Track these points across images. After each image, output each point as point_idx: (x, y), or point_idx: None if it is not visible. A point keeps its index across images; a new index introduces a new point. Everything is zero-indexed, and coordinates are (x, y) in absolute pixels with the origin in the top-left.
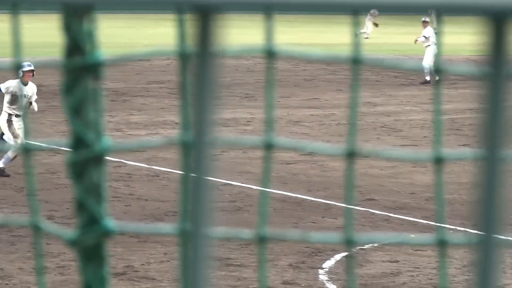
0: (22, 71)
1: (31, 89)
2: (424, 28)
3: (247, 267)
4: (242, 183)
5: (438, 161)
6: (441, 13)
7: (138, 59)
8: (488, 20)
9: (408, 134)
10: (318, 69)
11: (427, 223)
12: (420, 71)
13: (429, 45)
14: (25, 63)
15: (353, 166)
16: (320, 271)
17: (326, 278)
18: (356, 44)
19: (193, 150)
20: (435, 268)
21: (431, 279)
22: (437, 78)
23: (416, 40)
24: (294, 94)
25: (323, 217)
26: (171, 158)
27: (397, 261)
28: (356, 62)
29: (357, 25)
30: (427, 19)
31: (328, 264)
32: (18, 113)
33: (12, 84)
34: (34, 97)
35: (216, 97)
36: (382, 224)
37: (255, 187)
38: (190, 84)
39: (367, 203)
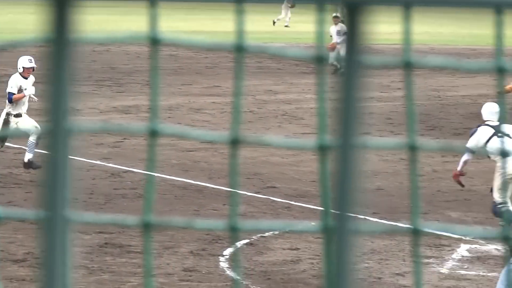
0: (23, 67)
1: (31, 83)
2: (335, 24)
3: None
4: (144, 170)
5: (322, 149)
6: (297, 2)
7: (6, 46)
8: (344, 9)
9: (309, 122)
10: (219, 57)
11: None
12: (303, 59)
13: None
14: (26, 58)
15: (237, 153)
16: (221, 258)
17: (227, 265)
18: (240, 31)
19: (50, 137)
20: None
21: None
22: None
23: (335, 44)
24: (196, 82)
25: (224, 204)
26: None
27: (297, 249)
28: (239, 50)
29: (242, 12)
30: (338, 14)
31: (228, 251)
32: (18, 112)
33: (16, 80)
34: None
35: (73, 84)
36: (283, 211)
37: (156, 174)
38: (51, 71)
39: (268, 191)
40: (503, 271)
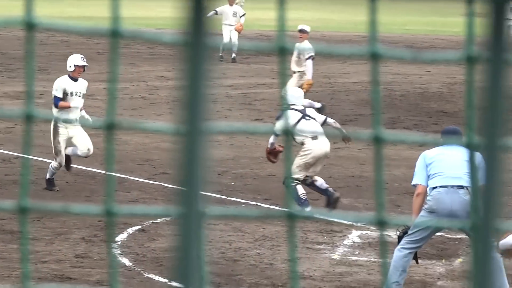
0: (75, 65)
1: (83, 86)
2: (231, 4)
3: (39, 240)
4: (35, 157)
5: (184, 135)
6: None
7: None
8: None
9: None
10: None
11: (219, 197)
12: (177, 45)
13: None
14: (79, 56)
15: (113, 138)
16: (113, 244)
17: (119, 252)
18: (116, 17)
19: None
20: (227, 241)
21: (223, 253)
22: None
23: (240, 27)
24: (87, 67)
25: (116, 190)
26: None
27: (204, 235)
28: (115, 35)
29: None
30: None
31: (120, 237)
32: (66, 117)
33: (62, 82)
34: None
35: None
36: (174, 197)
37: (47, 160)
38: None
39: (160, 177)
40: (394, 257)
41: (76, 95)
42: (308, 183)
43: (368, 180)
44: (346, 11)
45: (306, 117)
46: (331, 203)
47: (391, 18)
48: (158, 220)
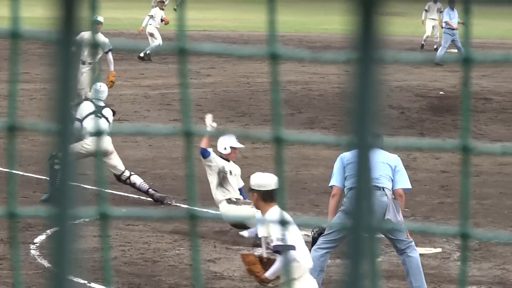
0: (231, 147)
1: (236, 167)
2: (161, 8)
3: None
4: None
5: (98, 134)
6: None
7: None
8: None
9: (119, 109)
10: (29, 43)
11: (138, 197)
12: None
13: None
14: (233, 137)
15: (14, 140)
16: (32, 246)
17: (38, 253)
18: (15, 18)
19: None
20: (146, 242)
21: (142, 254)
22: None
23: (165, 21)
24: (4, 68)
25: (34, 191)
26: None
27: (108, 236)
28: (14, 36)
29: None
30: None
31: (39, 239)
32: (235, 196)
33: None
34: None
35: None
36: (93, 198)
37: None
38: None
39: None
40: (311, 257)
41: (232, 174)
42: (124, 180)
43: (287, 180)
44: (263, 11)
45: (98, 114)
46: (156, 201)
47: (308, 18)
48: (77, 221)
